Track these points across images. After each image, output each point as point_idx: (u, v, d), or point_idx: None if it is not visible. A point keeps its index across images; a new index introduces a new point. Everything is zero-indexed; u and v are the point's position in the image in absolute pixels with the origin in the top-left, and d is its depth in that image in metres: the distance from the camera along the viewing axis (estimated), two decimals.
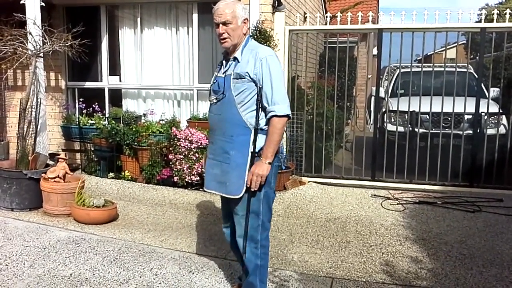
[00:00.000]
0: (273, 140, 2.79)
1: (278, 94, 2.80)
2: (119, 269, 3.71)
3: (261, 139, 2.85)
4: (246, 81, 2.82)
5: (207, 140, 5.83)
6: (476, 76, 6.93)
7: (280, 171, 5.39)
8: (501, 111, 6.75)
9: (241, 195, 2.84)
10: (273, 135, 2.78)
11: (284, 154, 6.15)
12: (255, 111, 2.84)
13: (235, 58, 2.91)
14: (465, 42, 8.54)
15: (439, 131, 6.46)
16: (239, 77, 2.83)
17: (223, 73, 2.96)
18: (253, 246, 2.93)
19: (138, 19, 7.22)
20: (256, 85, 2.82)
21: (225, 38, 2.88)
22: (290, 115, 2.84)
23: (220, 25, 2.87)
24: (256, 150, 2.84)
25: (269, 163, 2.78)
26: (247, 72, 2.81)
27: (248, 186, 2.80)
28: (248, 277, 2.98)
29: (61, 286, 3.39)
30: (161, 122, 6.83)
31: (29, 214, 5.05)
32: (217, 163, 2.94)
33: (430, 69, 6.87)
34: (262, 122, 2.85)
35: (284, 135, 3.08)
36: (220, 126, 2.93)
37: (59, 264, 3.76)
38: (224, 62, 3.03)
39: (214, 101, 2.96)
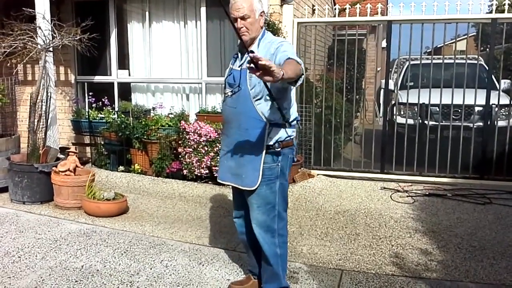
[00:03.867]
0: (292, 69, 2.50)
1: (294, 56, 2.65)
2: (130, 261, 3.74)
3: (275, 132, 2.87)
4: None
5: (216, 133, 5.86)
6: (487, 68, 6.86)
7: None
8: None
9: (256, 186, 2.88)
10: (292, 67, 2.52)
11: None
12: (272, 105, 2.83)
13: (251, 51, 2.86)
14: (475, 33, 8.45)
15: (449, 124, 6.41)
16: None
17: (238, 66, 2.96)
18: (270, 236, 2.97)
19: (147, 13, 7.22)
20: None
21: (244, 32, 2.86)
22: (304, 73, 2.64)
23: (238, 19, 2.84)
24: (271, 143, 2.86)
25: (282, 78, 2.34)
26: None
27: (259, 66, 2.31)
28: (270, 267, 3.01)
29: (72, 278, 3.43)
30: (170, 115, 6.85)
31: (41, 207, 5.10)
32: (232, 155, 2.96)
33: (440, 61, 6.80)
34: (283, 116, 2.84)
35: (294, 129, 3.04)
36: (235, 119, 2.93)
37: (70, 256, 3.80)
38: (239, 54, 3.01)
39: (229, 94, 2.96)
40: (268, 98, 2.82)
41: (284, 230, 3.05)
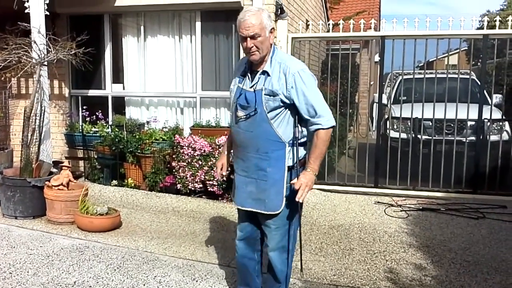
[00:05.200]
0: (321, 153, 2.76)
1: (320, 106, 2.75)
2: (123, 277, 3.71)
3: (294, 152, 2.82)
4: (278, 99, 2.73)
5: (210, 148, 5.86)
6: (479, 83, 6.94)
7: None
8: (504, 117, 6.76)
9: (280, 210, 2.83)
10: (321, 147, 2.75)
11: None
12: (288, 125, 2.80)
13: (264, 72, 2.78)
14: (467, 48, 8.56)
15: (442, 138, 6.45)
16: (272, 94, 2.73)
17: (251, 87, 2.81)
18: (284, 257, 2.95)
19: (142, 27, 7.26)
20: (289, 101, 2.74)
21: (253, 52, 2.72)
22: (334, 124, 2.80)
23: (248, 38, 2.69)
24: (291, 164, 2.82)
25: (315, 175, 2.75)
26: (279, 90, 2.72)
27: (297, 198, 2.71)
28: (279, 284, 3.02)
29: None
30: (164, 129, 6.84)
31: (33, 222, 5.06)
32: (252, 180, 2.87)
33: (433, 75, 6.87)
34: (299, 135, 2.83)
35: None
36: (252, 143, 2.82)
37: (62, 272, 3.76)
38: (249, 74, 2.86)
39: (243, 117, 2.81)
40: (287, 119, 2.78)
41: (294, 250, 3.05)
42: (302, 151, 2.87)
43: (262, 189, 2.84)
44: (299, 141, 2.83)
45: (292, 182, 2.76)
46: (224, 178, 5.76)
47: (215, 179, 5.77)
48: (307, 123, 2.81)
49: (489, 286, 3.71)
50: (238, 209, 3.08)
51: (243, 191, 2.93)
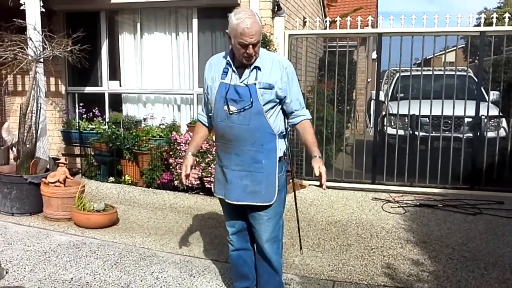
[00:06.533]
0: (314, 137, 2.99)
1: (302, 99, 3.00)
2: (120, 273, 3.70)
3: (282, 143, 2.95)
4: (274, 92, 2.82)
5: (207, 144, 5.85)
6: (476, 80, 6.94)
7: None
8: (501, 114, 6.77)
9: (274, 200, 2.90)
10: (312, 134, 2.99)
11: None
12: (278, 118, 2.92)
13: (256, 67, 2.82)
14: (464, 45, 8.56)
15: (439, 134, 6.46)
16: (268, 87, 2.80)
17: (241, 82, 2.82)
18: (276, 247, 3.01)
19: (138, 24, 7.24)
20: (282, 93, 2.86)
21: (251, 57, 2.77)
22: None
23: (250, 46, 2.70)
24: (281, 154, 2.93)
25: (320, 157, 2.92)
26: (274, 83, 2.81)
27: (320, 182, 2.87)
28: (277, 275, 3.07)
29: None
30: (161, 126, 6.84)
31: (30, 219, 5.04)
32: (247, 173, 2.87)
33: (430, 72, 6.87)
34: (282, 127, 2.96)
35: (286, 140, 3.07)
36: (249, 136, 2.84)
37: (59, 269, 3.75)
38: (234, 69, 2.86)
39: (235, 111, 2.81)
40: (276, 112, 2.90)
41: (283, 239, 3.13)
42: (285, 143, 3.02)
43: (258, 181, 2.87)
44: (284, 133, 2.99)
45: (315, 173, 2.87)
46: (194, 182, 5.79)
47: (212, 176, 5.76)
48: (289, 116, 2.99)
49: (486, 281, 3.72)
50: (226, 205, 3.05)
51: (238, 186, 2.91)
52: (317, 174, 2.83)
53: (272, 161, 2.89)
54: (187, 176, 3.06)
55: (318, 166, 2.83)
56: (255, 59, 2.83)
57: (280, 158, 2.92)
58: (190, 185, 5.98)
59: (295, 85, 2.93)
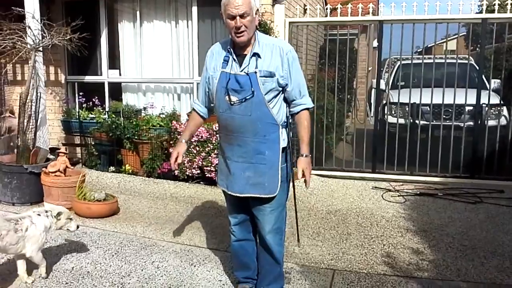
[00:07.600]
0: (308, 133, 2.87)
1: (305, 86, 2.88)
2: (121, 262, 3.71)
3: (285, 133, 2.89)
4: (275, 79, 2.74)
5: (208, 134, 5.84)
6: (477, 68, 6.91)
7: None
8: (502, 102, 6.74)
9: (277, 192, 2.86)
10: (309, 128, 2.86)
11: None
12: (281, 107, 2.85)
13: (255, 54, 2.75)
14: (465, 33, 8.50)
15: (440, 123, 6.44)
16: (269, 75, 2.73)
17: (241, 71, 2.76)
18: (278, 238, 2.99)
19: (138, 13, 7.18)
20: (283, 81, 2.78)
21: (242, 32, 2.67)
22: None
23: (237, 17, 2.64)
24: (285, 145, 2.87)
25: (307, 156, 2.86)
26: (275, 70, 2.73)
27: (307, 186, 2.89)
28: (278, 265, 3.06)
29: (63, 280, 3.40)
30: (161, 115, 6.82)
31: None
32: (250, 165, 2.84)
33: (431, 61, 6.83)
34: (284, 116, 2.88)
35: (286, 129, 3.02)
36: (250, 127, 2.78)
37: (60, 258, 3.76)
38: (234, 58, 2.80)
39: (237, 101, 2.75)
40: (279, 101, 2.82)
41: (285, 228, 3.10)
42: (287, 132, 2.94)
43: (262, 172, 2.83)
44: (287, 123, 2.90)
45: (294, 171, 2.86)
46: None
47: (212, 165, 5.76)
48: (290, 105, 2.89)
49: (486, 269, 3.73)
50: (229, 197, 3.04)
51: (241, 177, 2.88)
52: (299, 178, 2.82)
53: (275, 152, 2.83)
54: (178, 163, 3.11)
55: (302, 169, 2.82)
56: (250, 46, 2.75)
57: (283, 148, 2.86)
58: (190, 174, 5.99)
59: (295, 71, 2.81)
